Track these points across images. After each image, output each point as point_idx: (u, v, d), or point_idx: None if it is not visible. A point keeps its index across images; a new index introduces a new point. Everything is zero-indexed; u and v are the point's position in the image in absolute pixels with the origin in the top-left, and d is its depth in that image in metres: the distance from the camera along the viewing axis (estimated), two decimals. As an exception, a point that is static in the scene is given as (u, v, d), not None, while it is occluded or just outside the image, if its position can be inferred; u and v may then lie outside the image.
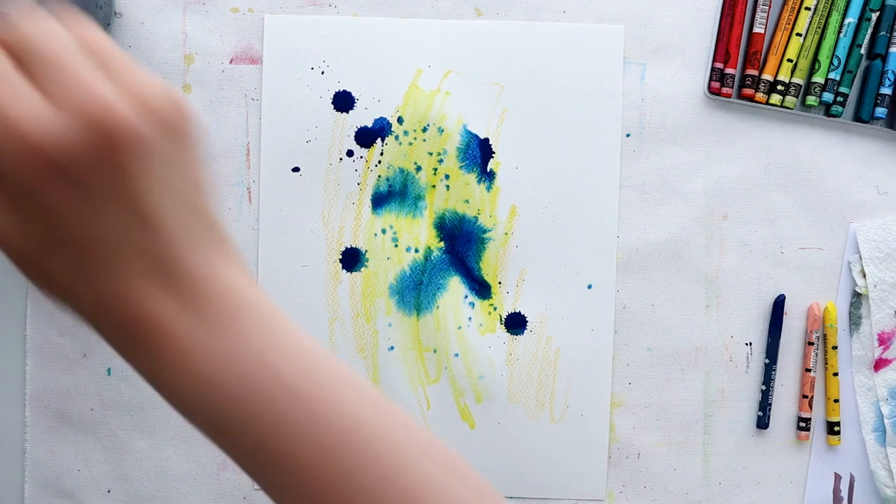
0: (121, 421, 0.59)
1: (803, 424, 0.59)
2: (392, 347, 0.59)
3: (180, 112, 0.27)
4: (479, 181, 0.59)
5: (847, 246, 0.60)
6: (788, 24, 0.58)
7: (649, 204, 0.59)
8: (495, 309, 0.59)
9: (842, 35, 0.58)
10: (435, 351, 0.59)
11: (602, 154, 0.59)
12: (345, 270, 0.59)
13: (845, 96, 0.58)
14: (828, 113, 0.59)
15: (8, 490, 0.59)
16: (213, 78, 0.59)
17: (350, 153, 0.59)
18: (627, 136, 0.59)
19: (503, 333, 0.59)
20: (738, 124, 0.59)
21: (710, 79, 0.59)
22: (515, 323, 0.59)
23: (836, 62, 0.58)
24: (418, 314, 0.59)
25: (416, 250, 0.59)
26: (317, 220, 0.59)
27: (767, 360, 0.59)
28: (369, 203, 0.59)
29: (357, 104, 0.59)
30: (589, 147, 0.59)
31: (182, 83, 0.59)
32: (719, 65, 0.59)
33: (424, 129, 0.59)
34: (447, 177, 0.59)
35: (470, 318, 0.59)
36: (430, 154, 0.59)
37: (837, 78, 0.58)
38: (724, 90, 0.59)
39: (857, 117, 0.59)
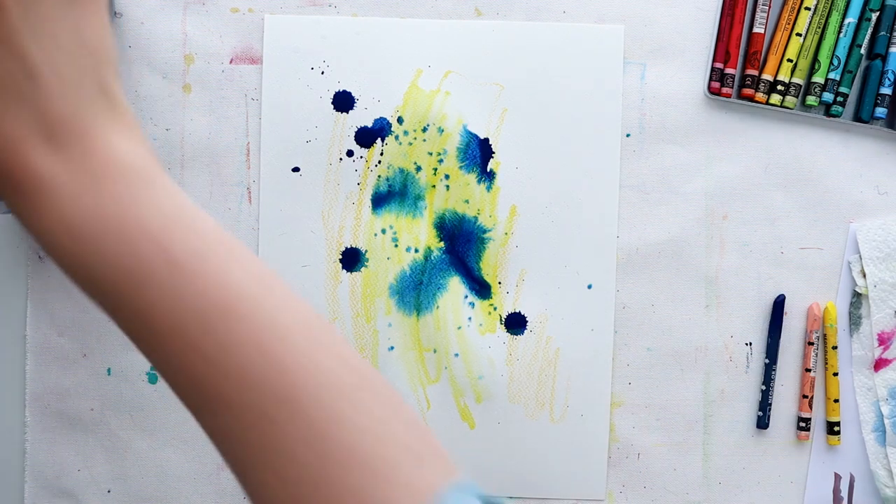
0: (121, 421, 0.59)
1: (803, 424, 0.59)
2: (392, 347, 0.59)
3: None
4: (479, 181, 0.59)
5: (847, 246, 0.60)
6: (788, 24, 0.58)
7: (649, 204, 0.59)
8: (495, 309, 0.59)
9: (842, 35, 0.58)
10: (435, 351, 0.59)
11: (602, 154, 0.59)
12: (345, 270, 0.59)
13: (845, 96, 0.58)
14: (828, 113, 0.59)
15: (8, 490, 0.59)
16: (213, 78, 0.59)
17: (350, 153, 0.59)
18: (627, 136, 0.59)
19: (503, 333, 0.59)
20: (738, 124, 0.59)
21: (710, 79, 0.59)
22: (515, 323, 0.59)
23: (836, 62, 0.58)
24: (418, 314, 0.59)
25: (416, 250, 0.59)
26: (317, 220, 0.59)
27: (767, 360, 0.59)
28: (369, 203, 0.59)
29: (357, 104, 0.59)
30: (589, 147, 0.59)
31: (182, 83, 0.59)
32: (719, 65, 0.59)
33: (424, 129, 0.59)
34: (447, 177, 0.59)
35: (470, 318, 0.59)
36: (430, 154, 0.59)
37: (837, 78, 0.58)
38: (724, 90, 0.59)
39: (857, 117, 0.59)
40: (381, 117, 0.59)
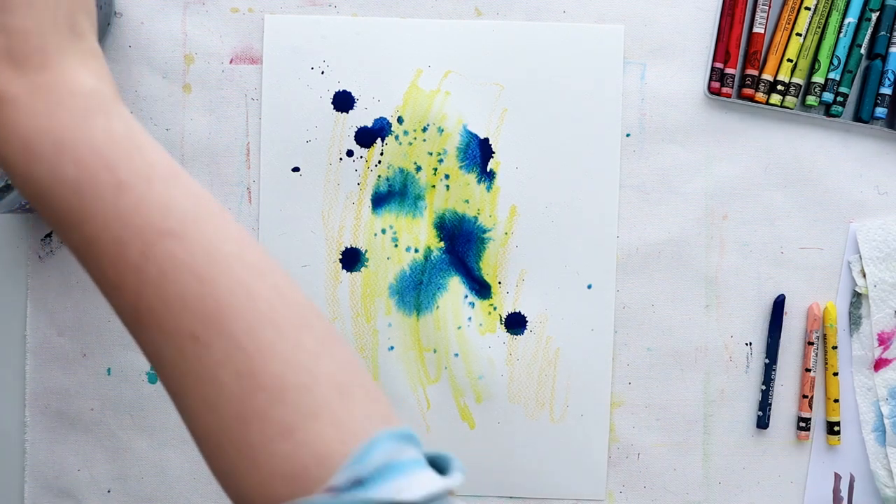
0: (121, 421, 0.59)
1: (803, 424, 0.59)
2: (392, 347, 0.59)
3: None
4: (479, 181, 0.59)
5: (847, 246, 0.60)
6: (788, 23, 0.58)
7: (649, 204, 0.59)
8: (495, 309, 0.59)
9: (842, 35, 0.58)
10: (435, 351, 0.59)
11: (602, 154, 0.59)
12: (345, 270, 0.59)
13: (845, 96, 0.58)
14: (828, 113, 0.59)
15: (8, 490, 0.59)
16: (213, 78, 0.59)
17: (350, 153, 0.59)
18: (627, 136, 0.59)
19: (503, 333, 0.59)
20: (738, 124, 0.59)
21: (710, 79, 0.59)
22: (515, 323, 0.59)
23: (836, 62, 0.58)
24: (418, 314, 0.59)
25: (416, 250, 0.59)
26: (317, 220, 0.59)
27: (767, 360, 0.59)
28: (369, 203, 0.59)
29: (357, 104, 0.59)
30: (589, 147, 0.59)
31: (182, 83, 0.59)
32: (719, 65, 0.59)
33: (424, 129, 0.59)
34: (447, 177, 0.59)
35: (470, 318, 0.59)
36: (430, 154, 0.59)
37: (837, 78, 0.58)
38: (724, 90, 0.59)
39: (857, 117, 0.59)
40: (381, 117, 0.59)
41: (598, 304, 0.59)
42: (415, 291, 0.59)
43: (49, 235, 0.59)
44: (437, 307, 0.59)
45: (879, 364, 0.60)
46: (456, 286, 0.59)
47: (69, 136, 0.29)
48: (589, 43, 0.59)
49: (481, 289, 0.59)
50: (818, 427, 0.60)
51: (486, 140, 0.59)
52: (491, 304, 0.59)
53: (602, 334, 0.59)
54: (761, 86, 0.58)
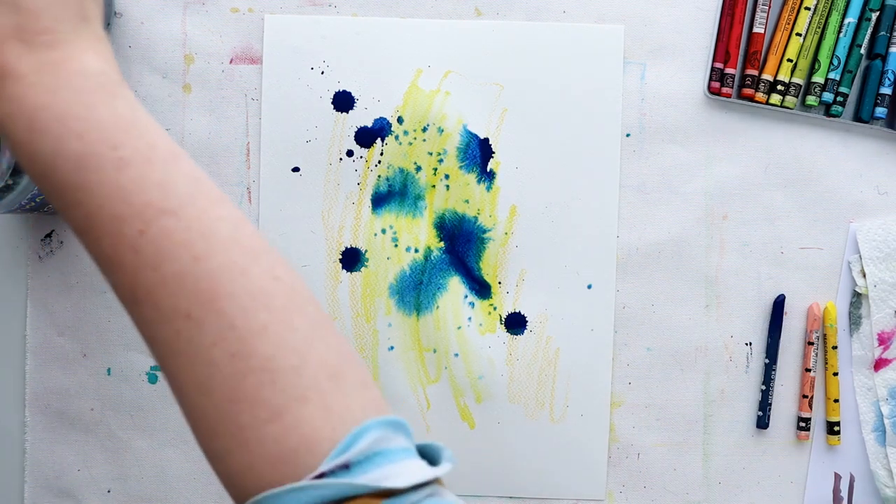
0: (121, 421, 0.59)
1: (803, 424, 0.59)
2: (392, 347, 0.59)
3: None
4: (479, 181, 0.59)
5: (847, 246, 0.60)
6: (788, 23, 0.58)
7: (649, 204, 0.59)
8: (495, 309, 0.59)
9: (842, 35, 0.58)
10: (435, 351, 0.59)
11: (602, 154, 0.59)
12: (345, 270, 0.59)
13: (845, 96, 0.58)
14: (828, 113, 0.59)
15: (8, 490, 0.59)
16: (213, 78, 0.59)
17: (350, 153, 0.59)
18: (627, 136, 0.59)
19: (503, 333, 0.59)
20: (738, 124, 0.59)
21: (710, 79, 0.59)
22: (515, 323, 0.59)
23: (835, 62, 0.58)
24: (418, 314, 0.59)
25: (416, 250, 0.59)
26: (317, 220, 0.59)
27: (767, 360, 0.59)
28: (369, 203, 0.59)
29: (357, 104, 0.59)
30: (589, 147, 0.59)
31: (182, 83, 0.59)
32: (719, 65, 0.59)
33: (424, 129, 0.59)
34: (447, 177, 0.59)
35: (470, 318, 0.59)
36: (430, 154, 0.59)
37: (837, 78, 0.58)
38: (724, 90, 0.59)
39: (857, 117, 0.59)
40: (381, 117, 0.59)
41: (598, 304, 0.59)
42: (415, 291, 0.59)
43: (49, 235, 0.59)
44: (437, 307, 0.59)
45: (879, 364, 0.60)
46: (456, 286, 0.59)
47: (73, 112, 0.30)
48: (589, 43, 0.59)
49: (481, 289, 0.59)
50: (818, 427, 0.60)
51: (486, 140, 0.59)
52: (491, 304, 0.59)
53: (602, 334, 0.59)
54: (761, 86, 0.58)
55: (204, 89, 0.59)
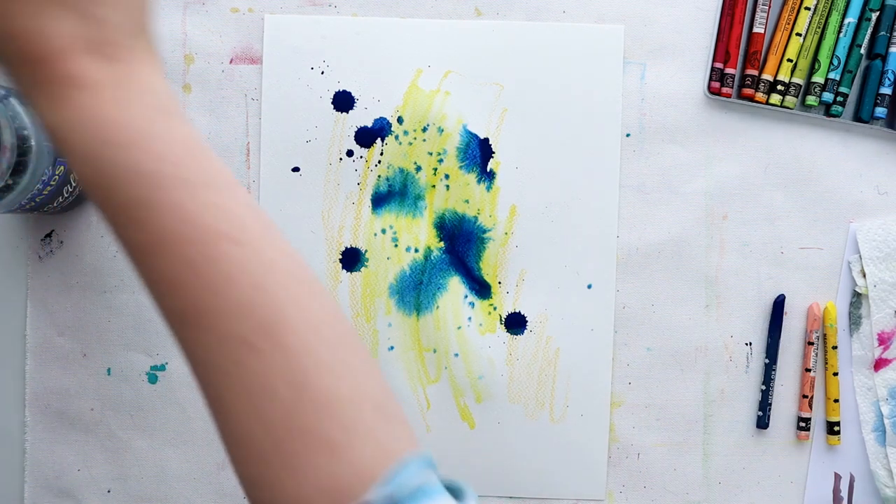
0: (121, 421, 0.59)
1: (803, 424, 0.59)
2: (392, 347, 0.59)
3: None
4: (479, 181, 0.59)
5: (847, 246, 0.60)
6: (788, 23, 0.58)
7: (649, 204, 0.59)
8: (495, 309, 0.59)
9: (842, 35, 0.58)
10: (435, 351, 0.59)
11: (602, 154, 0.59)
12: (345, 270, 0.59)
13: (845, 96, 0.58)
14: (828, 113, 0.59)
15: (8, 490, 0.59)
16: (213, 78, 0.59)
17: (350, 153, 0.59)
18: (627, 136, 0.59)
19: (503, 333, 0.59)
20: (738, 124, 0.59)
21: (710, 79, 0.59)
22: (515, 323, 0.59)
23: (835, 62, 0.58)
24: (418, 314, 0.59)
25: (416, 250, 0.59)
26: (317, 220, 0.59)
27: (767, 360, 0.59)
28: (369, 203, 0.59)
29: (357, 104, 0.59)
30: (589, 147, 0.59)
31: (182, 83, 0.59)
32: (719, 65, 0.59)
33: (424, 129, 0.59)
34: (447, 177, 0.59)
35: (470, 318, 0.59)
36: (430, 154, 0.59)
37: (837, 78, 0.58)
38: (724, 90, 0.59)
39: (857, 117, 0.59)
40: (381, 117, 0.59)
41: (598, 304, 0.59)
42: (415, 291, 0.59)
43: (49, 235, 0.59)
44: (437, 307, 0.59)
45: (879, 364, 0.60)
46: (456, 286, 0.59)
47: (146, 129, 0.30)
48: (589, 43, 0.59)
49: (481, 289, 0.59)
50: (818, 427, 0.60)
51: (486, 140, 0.59)
52: (491, 304, 0.59)
53: (602, 334, 0.59)
54: (761, 86, 0.58)
55: (204, 89, 0.59)
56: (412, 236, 0.59)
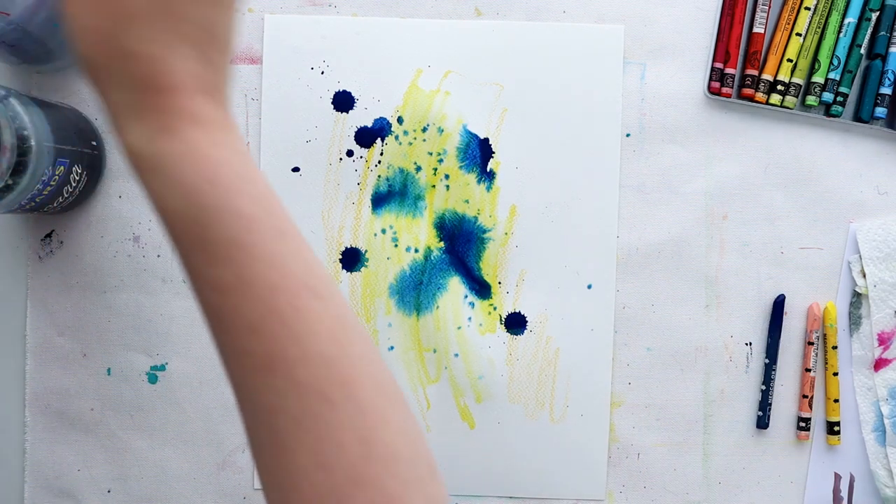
0: (121, 421, 0.59)
1: (803, 424, 0.59)
2: (392, 347, 0.59)
3: None
4: (479, 181, 0.59)
5: (847, 246, 0.60)
6: (788, 23, 0.58)
7: (649, 204, 0.59)
8: (495, 309, 0.59)
9: (842, 35, 0.58)
10: (435, 351, 0.59)
11: (602, 154, 0.59)
12: (345, 270, 0.59)
13: (845, 96, 0.58)
14: (828, 113, 0.59)
15: (8, 490, 0.59)
16: (213, 78, 0.59)
17: (350, 153, 0.59)
18: (627, 136, 0.59)
19: (503, 333, 0.59)
20: (738, 124, 0.59)
21: (710, 79, 0.59)
22: (515, 323, 0.59)
23: (835, 62, 0.58)
24: (418, 314, 0.59)
25: (416, 250, 0.59)
26: (317, 220, 0.59)
27: (767, 360, 0.59)
28: (369, 203, 0.59)
29: (357, 104, 0.59)
30: (589, 147, 0.59)
31: (182, 83, 0.59)
32: (719, 65, 0.59)
33: (424, 129, 0.59)
34: (447, 177, 0.59)
35: (470, 318, 0.59)
36: (430, 154, 0.59)
37: (837, 78, 0.58)
38: (724, 90, 0.59)
39: (857, 117, 0.59)
40: (381, 117, 0.59)
41: (598, 304, 0.59)
42: (415, 291, 0.59)
43: (49, 235, 0.59)
44: (437, 307, 0.59)
45: (879, 364, 0.60)
46: (456, 286, 0.59)
47: (246, 174, 0.31)
48: (589, 43, 0.59)
49: (481, 289, 0.59)
50: (818, 427, 0.60)
51: (486, 140, 0.59)
52: (491, 304, 0.59)
53: (602, 334, 0.59)
54: (761, 86, 0.58)
55: (204, 89, 0.59)
56: (412, 236, 0.59)
